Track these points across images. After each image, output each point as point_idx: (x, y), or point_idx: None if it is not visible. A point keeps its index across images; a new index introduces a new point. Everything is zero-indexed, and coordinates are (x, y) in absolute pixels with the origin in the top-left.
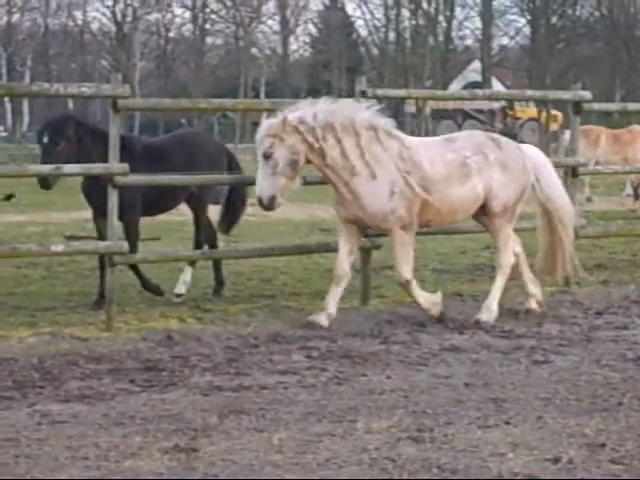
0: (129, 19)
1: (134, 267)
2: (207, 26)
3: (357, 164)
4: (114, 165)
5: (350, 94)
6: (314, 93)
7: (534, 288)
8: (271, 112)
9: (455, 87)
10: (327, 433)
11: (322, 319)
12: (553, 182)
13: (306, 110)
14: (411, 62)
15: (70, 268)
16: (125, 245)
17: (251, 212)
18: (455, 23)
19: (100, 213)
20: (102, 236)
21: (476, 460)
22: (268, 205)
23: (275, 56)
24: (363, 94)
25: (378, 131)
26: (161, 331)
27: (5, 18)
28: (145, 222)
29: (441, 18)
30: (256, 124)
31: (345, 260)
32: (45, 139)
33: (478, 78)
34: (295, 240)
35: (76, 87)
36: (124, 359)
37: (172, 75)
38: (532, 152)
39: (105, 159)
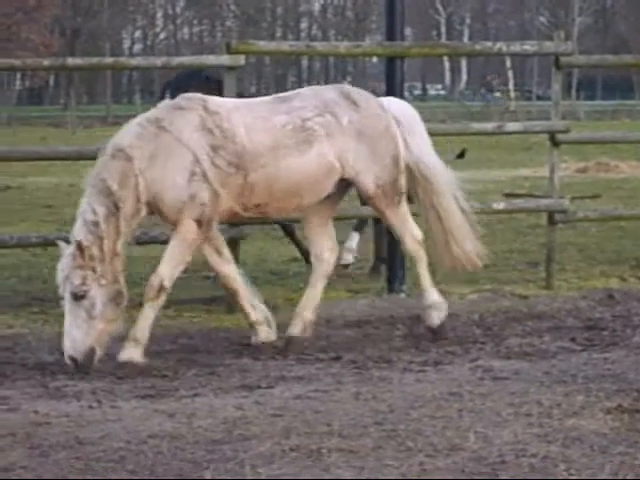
0: None
1: (292, 235)
2: None
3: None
4: (556, 123)
5: None
6: None
7: (309, 313)
8: None
9: None
10: None
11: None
12: (424, 142)
13: (83, 215)
14: None
15: (509, 226)
16: (566, 203)
17: None
18: None
19: None
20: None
21: None
22: (85, 364)
23: None
24: None
25: (160, 122)
26: (602, 290)
27: None
28: (580, 179)
29: None
30: None
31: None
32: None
33: None
34: None
35: (518, 45)
36: (564, 317)
37: (611, 30)
38: (397, 105)
39: None
